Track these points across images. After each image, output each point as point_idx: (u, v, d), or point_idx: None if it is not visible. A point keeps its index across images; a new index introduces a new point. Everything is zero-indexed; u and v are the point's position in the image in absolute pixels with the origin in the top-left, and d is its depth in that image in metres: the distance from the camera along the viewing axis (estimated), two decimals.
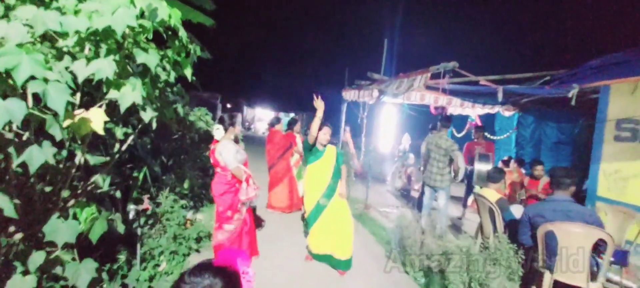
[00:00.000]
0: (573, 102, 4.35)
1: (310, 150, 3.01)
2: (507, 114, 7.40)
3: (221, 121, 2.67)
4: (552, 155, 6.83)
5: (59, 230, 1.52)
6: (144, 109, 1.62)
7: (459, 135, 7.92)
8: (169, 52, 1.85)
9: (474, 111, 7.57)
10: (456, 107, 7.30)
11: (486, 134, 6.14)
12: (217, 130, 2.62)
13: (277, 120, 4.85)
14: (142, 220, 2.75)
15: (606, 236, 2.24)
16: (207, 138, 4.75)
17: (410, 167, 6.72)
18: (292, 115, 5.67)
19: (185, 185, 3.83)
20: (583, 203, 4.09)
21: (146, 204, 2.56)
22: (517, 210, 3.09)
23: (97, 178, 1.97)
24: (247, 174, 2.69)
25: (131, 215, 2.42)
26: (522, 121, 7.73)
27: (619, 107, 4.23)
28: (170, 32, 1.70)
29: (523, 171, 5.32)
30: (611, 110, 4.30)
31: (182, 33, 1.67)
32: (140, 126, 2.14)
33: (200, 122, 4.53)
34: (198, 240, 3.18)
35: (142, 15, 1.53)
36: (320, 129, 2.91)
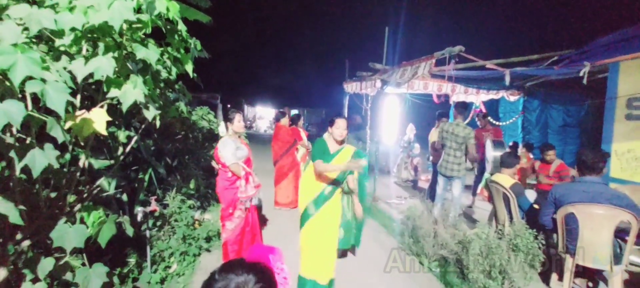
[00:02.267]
0: (585, 81, 4.23)
1: (322, 151, 2.47)
2: (512, 98, 7.26)
3: (225, 118, 2.65)
4: (560, 139, 6.71)
5: (67, 235, 1.49)
6: (147, 107, 1.57)
7: (466, 123, 7.81)
8: (169, 49, 1.79)
9: (478, 97, 7.45)
10: (460, 94, 7.20)
11: (491, 119, 6.03)
12: (221, 128, 2.60)
13: (282, 114, 4.77)
14: (151, 222, 2.72)
15: (631, 217, 2.14)
16: (211, 137, 4.72)
17: (416, 157, 6.65)
18: (294, 111, 5.54)
19: (191, 185, 3.80)
20: None
21: (153, 206, 2.52)
22: (531, 196, 3.01)
23: (102, 181, 1.93)
24: (247, 171, 2.64)
25: (139, 218, 2.39)
26: (527, 105, 7.58)
27: (629, 85, 4.08)
28: (168, 27, 1.64)
29: (531, 156, 5.23)
30: (621, 88, 4.15)
31: (182, 26, 1.61)
32: (142, 127, 2.10)
33: (203, 122, 4.49)
34: (208, 239, 3.15)
35: (139, 10, 1.47)
36: (332, 123, 2.46)
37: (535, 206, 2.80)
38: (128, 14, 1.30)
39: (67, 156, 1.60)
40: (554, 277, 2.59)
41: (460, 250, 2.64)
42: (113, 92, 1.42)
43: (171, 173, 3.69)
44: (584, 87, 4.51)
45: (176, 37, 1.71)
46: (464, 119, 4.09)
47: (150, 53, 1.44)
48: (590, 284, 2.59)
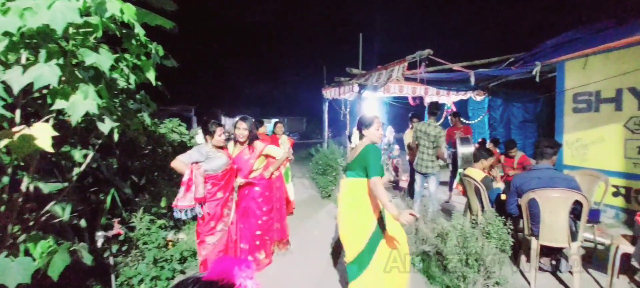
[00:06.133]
0: (537, 79, 4.60)
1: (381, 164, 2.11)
2: (478, 98, 7.72)
3: (205, 131, 2.53)
4: (520, 133, 7.19)
5: (9, 270, 1.29)
6: (102, 120, 1.42)
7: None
8: (127, 55, 1.65)
9: (449, 99, 7.82)
10: (432, 96, 7.52)
11: (462, 119, 6.34)
12: (198, 136, 2.46)
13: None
14: (114, 247, 2.47)
15: (582, 197, 2.36)
16: (182, 150, 4.46)
17: (396, 158, 6.79)
18: (274, 120, 5.42)
19: (162, 203, 3.54)
20: None
21: (117, 229, 2.29)
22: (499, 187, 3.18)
23: (53, 207, 1.72)
24: (190, 179, 2.37)
25: (100, 243, 2.15)
26: (492, 104, 8.09)
27: (573, 81, 4.53)
28: (124, 31, 1.50)
29: (497, 150, 5.53)
30: (567, 84, 4.59)
31: (139, 30, 1.48)
32: (100, 142, 1.91)
33: (174, 134, 4.23)
34: (182, 260, 2.93)
35: (88, 13, 1.33)
36: (370, 126, 2.25)
37: (502, 196, 2.98)
38: (72, 16, 1.16)
39: (5, 179, 1.39)
40: (523, 258, 2.75)
41: (439, 242, 2.70)
42: (59, 104, 1.26)
43: (139, 193, 3.42)
44: (538, 85, 4.90)
45: (134, 42, 1.57)
46: (436, 119, 4.26)
47: (101, 59, 1.30)
48: (554, 262, 2.78)
